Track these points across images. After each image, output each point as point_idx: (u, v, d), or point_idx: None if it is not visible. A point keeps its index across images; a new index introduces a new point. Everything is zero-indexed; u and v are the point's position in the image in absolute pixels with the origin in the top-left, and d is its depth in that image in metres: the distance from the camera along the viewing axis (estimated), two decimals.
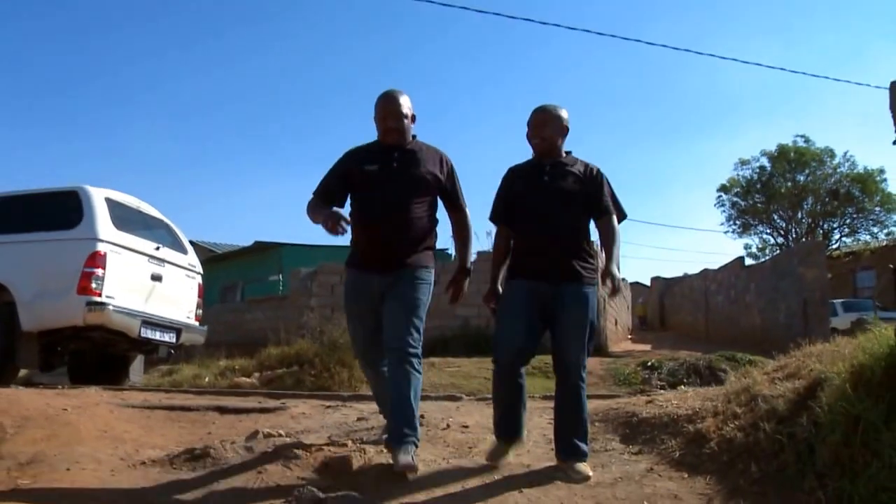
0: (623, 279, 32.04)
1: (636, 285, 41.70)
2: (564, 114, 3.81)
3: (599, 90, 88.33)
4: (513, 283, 3.71)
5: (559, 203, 3.65)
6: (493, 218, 3.89)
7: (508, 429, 3.71)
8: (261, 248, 25.05)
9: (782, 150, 33.65)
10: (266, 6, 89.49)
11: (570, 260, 3.64)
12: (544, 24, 39.15)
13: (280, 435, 4.00)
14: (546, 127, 3.75)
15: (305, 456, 3.56)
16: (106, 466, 3.53)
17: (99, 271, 6.74)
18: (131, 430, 4.39)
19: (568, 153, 3.82)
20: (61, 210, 7.09)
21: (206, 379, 10.65)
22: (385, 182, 3.64)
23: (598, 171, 3.77)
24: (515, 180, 3.83)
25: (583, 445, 3.59)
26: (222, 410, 5.07)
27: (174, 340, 7.80)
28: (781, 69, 15.52)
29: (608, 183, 3.78)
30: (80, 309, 6.64)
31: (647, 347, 18.23)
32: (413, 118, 3.79)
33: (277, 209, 74.68)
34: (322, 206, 3.63)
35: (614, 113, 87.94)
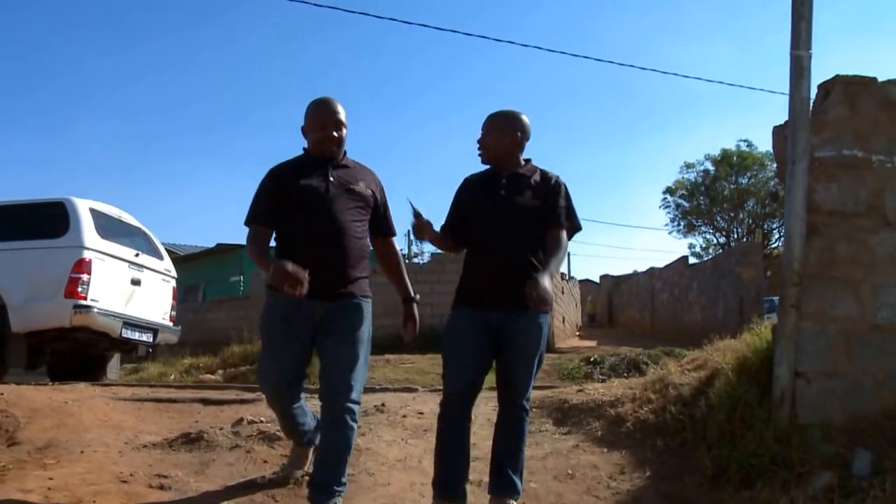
0: (571, 278, 32.89)
1: (586, 283, 42.60)
2: (521, 121, 3.38)
3: (554, 89, 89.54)
4: (460, 315, 3.33)
5: (515, 220, 3.25)
6: (444, 225, 3.45)
7: (452, 486, 3.24)
8: (223, 249, 25.22)
9: (725, 155, 34.99)
10: (221, 5, 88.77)
11: (524, 285, 3.14)
12: (499, 41, 40.50)
13: (262, 421, 4.52)
14: (490, 135, 3.37)
15: (286, 437, 4.14)
16: (114, 449, 4.06)
17: (85, 277, 7.25)
18: (127, 419, 4.91)
19: (527, 161, 3.42)
20: (49, 220, 7.55)
21: (172, 376, 11.11)
22: (326, 200, 3.24)
23: (558, 179, 3.36)
24: (466, 193, 3.44)
25: (518, 482, 3.25)
26: (205, 402, 5.58)
27: (152, 340, 8.34)
28: (720, 82, 16.50)
29: (567, 194, 3.37)
30: (67, 311, 7.16)
31: (593, 344, 18.81)
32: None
33: (239, 211, 73.98)
34: (267, 248, 3.28)
35: (567, 112, 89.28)
